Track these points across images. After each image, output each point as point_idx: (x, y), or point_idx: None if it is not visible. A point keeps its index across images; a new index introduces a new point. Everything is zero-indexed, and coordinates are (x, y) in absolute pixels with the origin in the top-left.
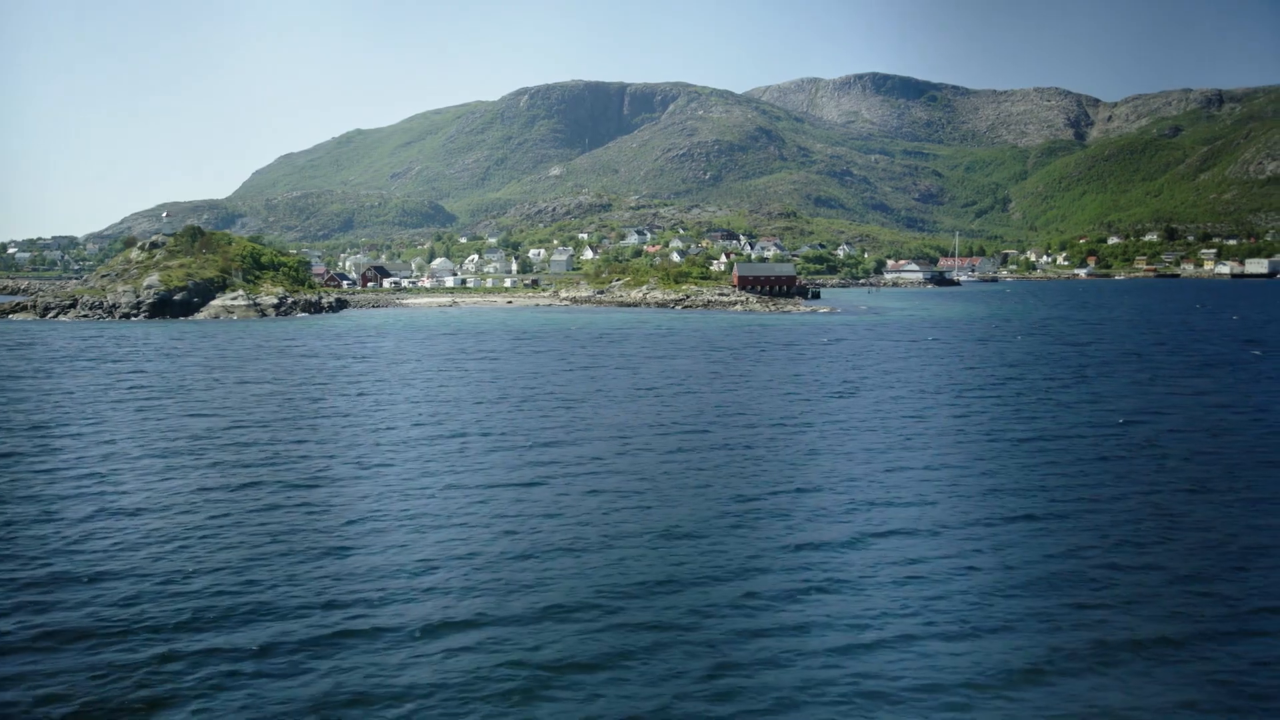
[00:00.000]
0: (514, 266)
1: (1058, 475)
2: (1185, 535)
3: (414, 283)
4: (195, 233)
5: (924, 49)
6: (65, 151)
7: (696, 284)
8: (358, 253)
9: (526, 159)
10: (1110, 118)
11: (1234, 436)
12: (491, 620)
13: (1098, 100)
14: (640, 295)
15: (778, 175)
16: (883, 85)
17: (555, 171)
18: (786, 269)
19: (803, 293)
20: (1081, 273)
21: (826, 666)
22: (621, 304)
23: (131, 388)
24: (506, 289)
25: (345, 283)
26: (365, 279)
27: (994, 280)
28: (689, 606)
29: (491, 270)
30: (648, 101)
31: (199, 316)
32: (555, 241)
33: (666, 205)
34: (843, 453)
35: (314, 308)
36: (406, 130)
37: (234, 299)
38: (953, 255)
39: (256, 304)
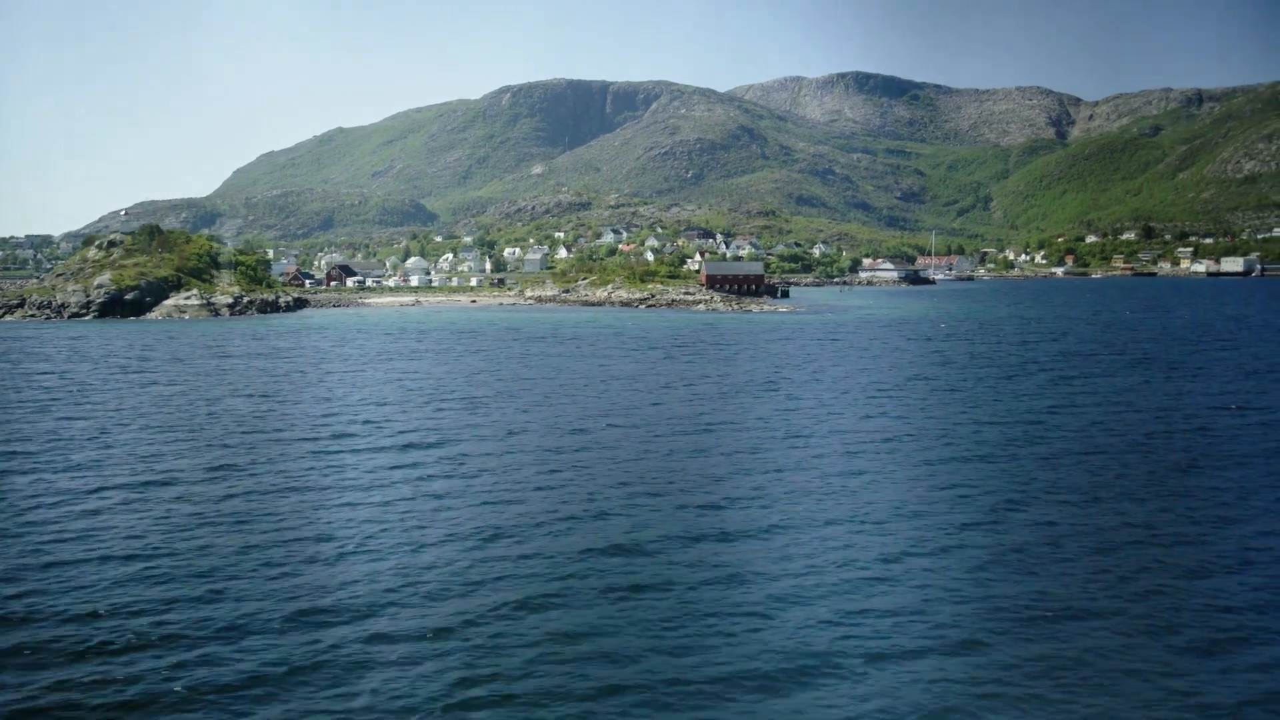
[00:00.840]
0: (488, 265)
1: (914, 476)
2: (1007, 538)
3: (379, 281)
4: (154, 231)
5: (907, 48)
6: (46, 149)
7: (663, 283)
8: (333, 251)
9: (509, 157)
10: (1091, 117)
11: (1120, 437)
12: (227, 627)
13: (1079, 99)
14: (605, 294)
15: (760, 174)
16: (865, 84)
17: (537, 170)
18: (755, 268)
19: (771, 291)
20: (1059, 271)
21: (550, 675)
22: (586, 303)
23: (34, 390)
24: (472, 288)
25: (309, 281)
26: (330, 278)
27: (970, 279)
28: (462, 615)
29: (466, 269)
30: (630, 100)
31: (151, 316)
32: (531, 240)
33: (646, 204)
34: (718, 453)
35: (270, 307)
36: (388, 128)
37: (187, 298)
38: (930, 254)
39: (210, 303)
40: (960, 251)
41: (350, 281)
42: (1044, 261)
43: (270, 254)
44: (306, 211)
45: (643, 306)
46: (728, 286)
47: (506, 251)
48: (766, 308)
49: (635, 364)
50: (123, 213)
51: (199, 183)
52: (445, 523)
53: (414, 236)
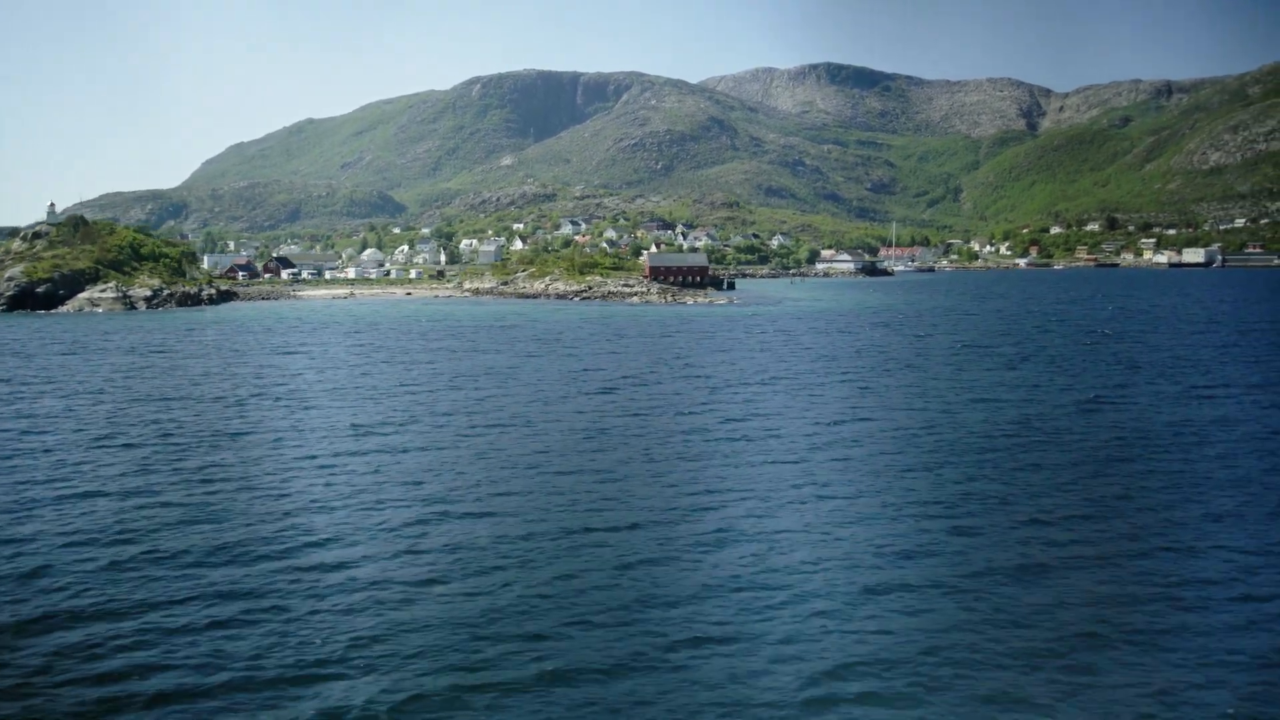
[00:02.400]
0: (442, 258)
1: (704, 474)
2: (748, 538)
3: (316, 273)
4: (78, 222)
5: (879, 39)
6: (15, 141)
7: (603, 275)
8: (293, 244)
9: (479, 149)
10: (1061, 108)
11: (940, 433)
12: None
13: (1049, 91)
14: (543, 287)
15: (729, 165)
16: (837, 75)
17: (507, 161)
18: (699, 259)
19: (717, 283)
20: (1022, 262)
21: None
22: (522, 295)
23: None
24: (411, 280)
25: (242, 274)
26: (266, 269)
27: (930, 270)
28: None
29: (421, 261)
30: (601, 91)
31: (63, 310)
32: (490, 232)
33: (611, 195)
34: (501, 449)
35: (191, 300)
36: (358, 120)
37: (101, 291)
38: (891, 245)
39: (126, 296)
40: (925, 243)
41: (285, 274)
42: (1008, 253)
43: (232, 245)
44: (273, 203)
45: (578, 299)
46: (671, 278)
47: (463, 243)
48: (702, 300)
49: (508, 358)
50: (50, 203)
51: (167, 174)
52: (185, 521)
53: (371, 228)
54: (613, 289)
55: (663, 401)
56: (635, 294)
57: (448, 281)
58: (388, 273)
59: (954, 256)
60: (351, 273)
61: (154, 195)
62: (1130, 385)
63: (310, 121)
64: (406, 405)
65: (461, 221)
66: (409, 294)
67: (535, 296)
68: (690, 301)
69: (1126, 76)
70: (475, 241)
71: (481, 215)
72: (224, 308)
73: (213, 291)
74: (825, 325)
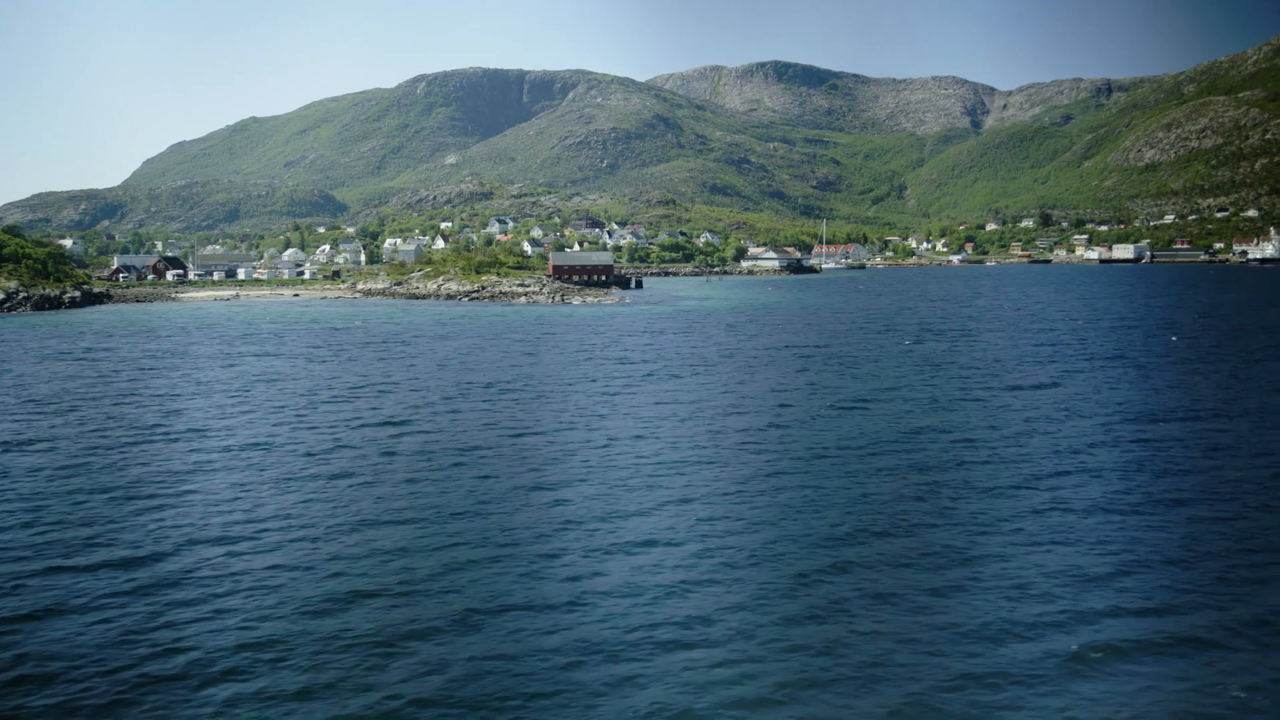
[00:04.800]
0: (363, 258)
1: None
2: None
3: (204, 275)
4: None
5: (827, 37)
6: None
7: (502, 275)
8: (222, 244)
9: (423, 147)
10: (1005, 106)
11: (644, 443)
12: None
13: (993, 89)
14: (434, 287)
15: (674, 163)
16: (785, 73)
17: (451, 160)
18: (605, 258)
19: (623, 283)
20: (955, 259)
21: None
22: (413, 296)
23: None
24: (303, 281)
25: (124, 275)
26: (154, 270)
27: (861, 268)
28: None
29: (342, 261)
30: (547, 89)
31: None
32: (416, 231)
33: (549, 193)
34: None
35: (50, 304)
36: (302, 118)
37: None
38: (822, 242)
39: None
40: (862, 240)
41: (171, 274)
42: (944, 249)
43: (160, 245)
44: (211, 203)
45: (467, 300)
46: (575, 277)
47: (387, 243)
48: (590, 300)
49: (299, 363)
50: None
51: (110, 174)
52: None
53: (296, 228)
54: (505, 289)
55: (401, 404)
56: (524, 295)
57: (341, 282)
58: (302, 274)
59: (889, 254)
60: (242, 274)
61: (89, 195)
62: (896, 388)
63: (254, 120)
64: (168, 412)
65: (394, 220)
66: (297, 295)
67: (426, 297)
68: (577, 302)
69: (1069, 75)
70: (399, 241)
71: (416, 214)
72: (86, 310)
73: (77, 294)
74: (678, 326)
